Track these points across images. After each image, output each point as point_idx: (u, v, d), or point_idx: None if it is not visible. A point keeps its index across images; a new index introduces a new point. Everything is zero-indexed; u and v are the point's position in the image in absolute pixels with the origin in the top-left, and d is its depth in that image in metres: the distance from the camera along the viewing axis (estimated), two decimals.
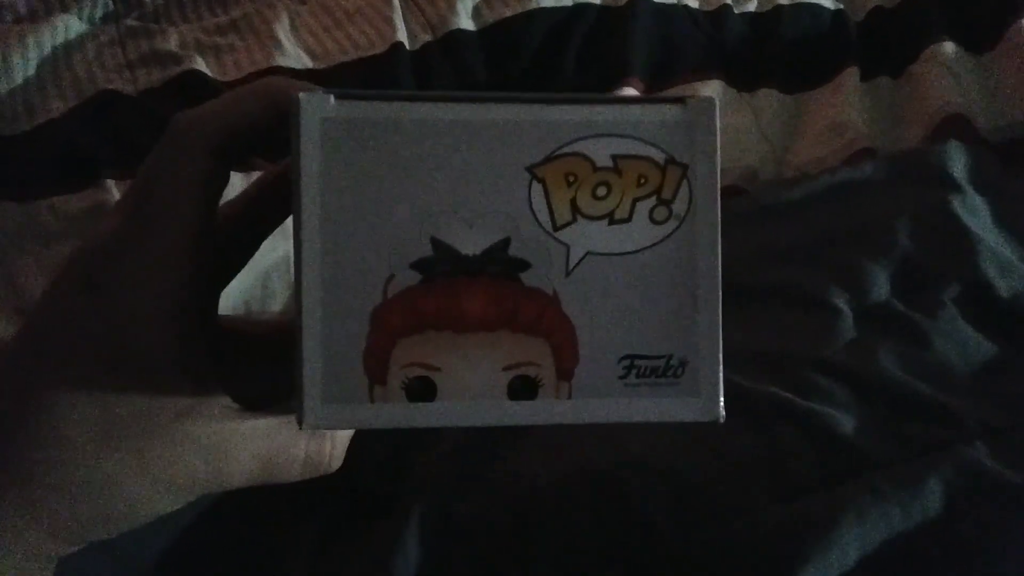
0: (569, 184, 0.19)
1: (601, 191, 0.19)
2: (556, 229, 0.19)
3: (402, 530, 0.37)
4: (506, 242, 0.19)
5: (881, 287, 0.48)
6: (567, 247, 0.19)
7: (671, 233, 0.20)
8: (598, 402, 0.20)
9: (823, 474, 0.37)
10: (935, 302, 0.47)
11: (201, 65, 0.61)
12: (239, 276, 0.27)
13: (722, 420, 0.20)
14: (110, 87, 0.60)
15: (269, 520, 0.39)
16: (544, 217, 0.19)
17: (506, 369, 0.20)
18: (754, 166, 0.60)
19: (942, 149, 0.55)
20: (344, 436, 0.26)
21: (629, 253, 0.19)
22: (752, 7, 0.69)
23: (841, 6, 0.69)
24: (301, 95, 0.19)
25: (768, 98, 0.63)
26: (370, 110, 0.19)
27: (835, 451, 0.39)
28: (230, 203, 0.25)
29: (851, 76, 0.63)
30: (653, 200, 0.19)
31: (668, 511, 0.36)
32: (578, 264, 0.19)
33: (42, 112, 0.59)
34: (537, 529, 0.36)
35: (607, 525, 0.36)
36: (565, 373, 0.20)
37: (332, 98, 0.19)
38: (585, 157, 0.19)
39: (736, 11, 0.68)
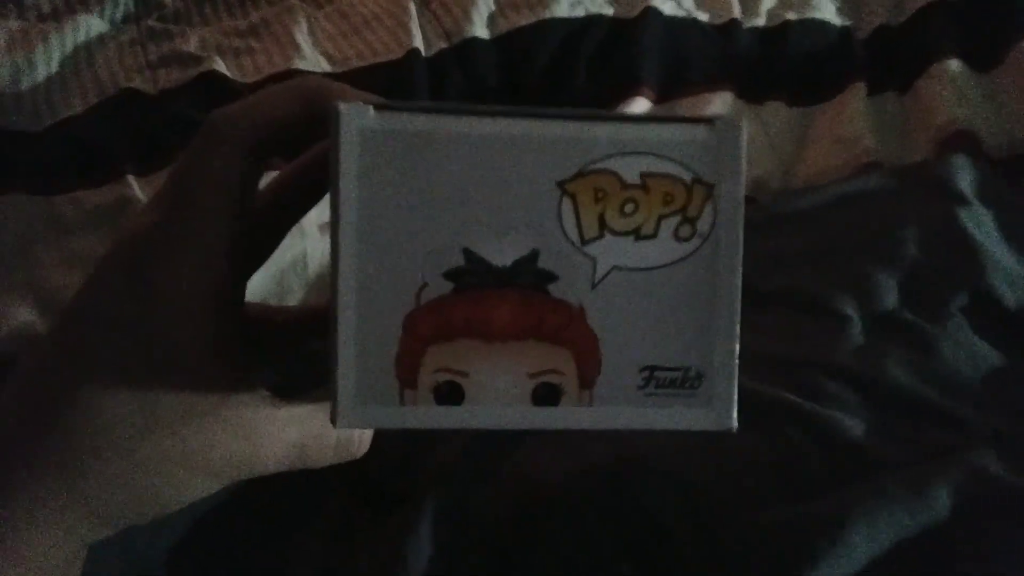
0: (598, 200, 0.20)
1: (629, 207, 0.20)
2: (584, 243, 0.20)
3: (415, 523, 0.37)
4: (535, 255, 0.20)
5: (889, 295, 0.48)
6: (594, 261, 0.20)
7: (694, 251, 0.20)
8: (618, 410, 0.20)
9: (831, 476, 0.37)
10: (943, 311, 0.47)
11: (221, 66, 0.62)
12: (256, 274, 0.28)
13: (735, 430, 0.21)
14: (131, 86, 0.61)
15: (282, 512, 0.40)
16: (572, 231, 0.20)
17: (531, 376, 0.20)
18: (763, 177, 0.60)
19: (948, 162, 0.55)
20: None
21: (653, 268, 0.20)
22: (760, 22, 0.70)
23: (847, 23, 0.70)
24: (341, 106, 0.19)
25: (776, 111, 0.64)
26: (408, 122, 0.19)
27: (844, 454, 0.39)
28: (256, 196, 0.26)
29: (858, 91, 0.64)
30: (678, 218, 0.20)
31: (677, 510, 0.36)
32: (604, 278, 0.20)
33: (64, 109, 0.60)
34: (548, 525, 0.37)
35: (616, 523, 0.37)
36: (587, 381, 0.20)
37: (371, 109, 0.19)
38: (614, 174, 0.20)
39: (745, 25, 0.68)
